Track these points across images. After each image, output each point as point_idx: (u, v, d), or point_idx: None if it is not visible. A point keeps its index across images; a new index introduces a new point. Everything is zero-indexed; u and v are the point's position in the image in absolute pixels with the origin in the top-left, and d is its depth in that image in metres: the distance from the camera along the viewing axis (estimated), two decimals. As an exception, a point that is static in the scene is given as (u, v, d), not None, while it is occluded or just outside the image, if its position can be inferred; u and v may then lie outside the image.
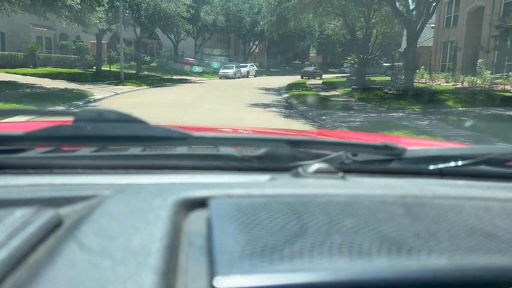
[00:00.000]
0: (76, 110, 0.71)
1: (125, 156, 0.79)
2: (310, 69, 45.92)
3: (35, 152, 0.78)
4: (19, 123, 1.41)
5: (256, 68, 43.96)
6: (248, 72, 41.89)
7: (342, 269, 0.45)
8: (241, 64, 44.90)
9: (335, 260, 0.46)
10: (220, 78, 34.81)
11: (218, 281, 0.42)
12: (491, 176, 0.82)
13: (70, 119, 0.73)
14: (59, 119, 1.12)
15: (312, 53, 65.95)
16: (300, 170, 0.76)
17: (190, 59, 48.47)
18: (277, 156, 0.81)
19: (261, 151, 0.81)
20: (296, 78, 34.55)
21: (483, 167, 0.83)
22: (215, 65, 41.62)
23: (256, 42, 51.98)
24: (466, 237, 0.52)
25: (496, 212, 0.62)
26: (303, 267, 0.44)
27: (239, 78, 36.96)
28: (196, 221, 0.55)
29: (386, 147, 0.81)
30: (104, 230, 0.49)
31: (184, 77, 30.87)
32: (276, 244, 0.47)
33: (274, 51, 58.28)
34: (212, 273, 0.43)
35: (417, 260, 0.47)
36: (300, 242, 0.48)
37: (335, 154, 0.80)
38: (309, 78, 36.10)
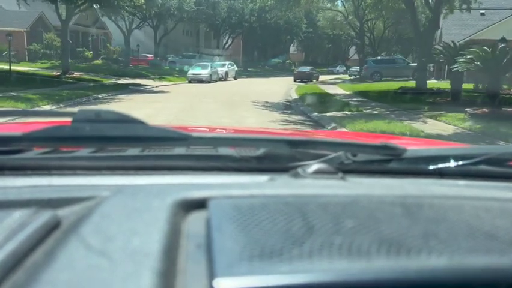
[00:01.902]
0: (74, 111, 0.78)
1: (123, 157, 0.85)
2: (307, 69, 37.02)
3: (33, 153, 0.84)
4: (17, 124, 1.31)
5: (236, 68, 36.14)
6: (227, 73, 33.68)
7: (342, 270, 0.47)
8: (218, 62, 36.20)
9: (335, 260, 0.48)
10: (190, 82, 26.91)
11: (217, 282, 0.44)
12: (491, 176, 0.88)
13: (68, 119, 0.76)
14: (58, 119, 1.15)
15: (297, 49, 53.39)
16: (299, 170, 0.80)
17: (148, 55, 40.14)
18: (277, 157, 0.86)
19: (260, 151, 0.86)
20: (288, 81, 30.09)
21: (483, 167, 0.88)
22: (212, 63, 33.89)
23: (232, 36, 37.65)
24: (466, 237, 0.55)
25: (495, 212, 0.64)
26: (303, 268, 0.46)
27: (215, 81, 29.08)
28: (195, 221, 0.57)
29: (386, 148, 0.86)
30: (103, 231, 0.52)
31: (138, 81, 22.29)
32: (275, 245, 0.50)
33: (251, 47, 45.07)
34: (211, 275, 0.45)
35: (417, 261, 0.49)
36: (300, 242, 0.51)
37: (334, 154, 0.85)
38: (303, 81, 30.99)
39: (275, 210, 0.58)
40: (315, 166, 0.80)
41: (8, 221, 0.54)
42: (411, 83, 18.77)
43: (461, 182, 0.83)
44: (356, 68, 57.29)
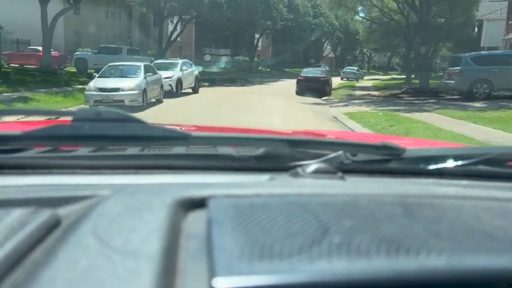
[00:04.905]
0: (74, 110, 0.96)
1: (123, 156, 0.91)
2: (318, 73, 22.35)
3: (33, 152, 0.90)
4: (17, 123, 1.39)
5: (196, 72, 20.76)
6: (179, 81, 17.26)
7: (341, 269, 0.50)
8: (161, 61, 20.46)
9: (334, 260, 0.51)
10: (92, 105, 12.76)
11: (217, 281, 0.46)
12: (491, 176, 0.95)
13: (69, 118, 0.84)
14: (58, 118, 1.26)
15: (270, 42, 35.12)
16: (299, 170, 0.86)
17: (54, 51, 23.85)
18: (276, 156, 0.91)
19: (260, 151, 0.92)
20: (286, 95, 19.02)
21: (482, 167, 0.94)
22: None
23: (183, 20, 16.02)
24: (465, 237, 0.60)
25: (495, 212, 0.69)
26: (302, 267, 0.50)
27: (157, 102, 14.24)
28: (195, 221, 0.63)
29: (386, 147, 0.91)
30: (103, 231, 0.57)
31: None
32: (275, 244, 0.54)
33: (209, 38, 24.83)
34: (211, 274, 0.48)
35: (416, 260, 0.53)
36: (299, 242, 0.55)
37: (334, 154, 0.90)
38: (306, 93, 19.06)
39: (275, 210, 0.63)
40: (314, 166, 0.86)
41: (8, 219, 0.58)
42: None
43: (461, 182, 0.91)
44: (352, 69, 42.73)
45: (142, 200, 0.64)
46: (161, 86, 14.98)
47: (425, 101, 16.70)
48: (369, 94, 22.03)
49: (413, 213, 0.63)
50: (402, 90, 21.58)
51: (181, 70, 17.86)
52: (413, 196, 0.72)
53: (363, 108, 15.29)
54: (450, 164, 0.93)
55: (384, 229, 0.57)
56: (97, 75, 13.23)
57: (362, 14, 34.13)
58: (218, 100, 16.07)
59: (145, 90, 12.84)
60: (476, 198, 0.74)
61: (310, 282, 0.46)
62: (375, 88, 27.18)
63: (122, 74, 13.39)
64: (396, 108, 15.03)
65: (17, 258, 0.49)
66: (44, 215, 0.59)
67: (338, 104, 17.49)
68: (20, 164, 0.83)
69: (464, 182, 0.89)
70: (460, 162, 0.92)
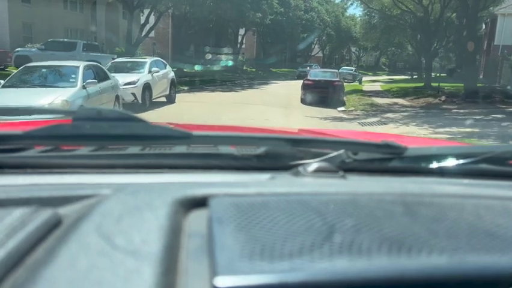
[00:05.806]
0: (75, 109, 0.91)
1: (124, 155, 0.94)
2: (329, 76, 17.19)
3: (34, 151, 0.93)
4: (18, 122, 1.42)
5: (172, 74, 15.84)
6: (148, 87, 11.92)
7: (342, 268, 0.52)
8: (123, 60, 15.60)
9: (335, 259, 0.54)
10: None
11: (218, 280, 0.48)
12: (492, 174, 0.97)
13: (69, 118, 0.88)
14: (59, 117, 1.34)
15: (256, 41, 29.58)
16: (300, 169, 0.89)
17: None
18: (277, 155, 0.93)
19: (261, 150, 0.94)
20: (285, 100, 16.38)
21: (484, 166, 0.97)
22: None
23: (156, 11, 8.85)
24: (467, 236, 0.62)
25: (496, 210, 0.72)
26: (303, 266, 0.52)
27: None
28: (196, 220, 0.66)
29: (387, 146, 0.93)
30: (104, 230, 0.59)
31: None
32: (276, 243, 0.56)
33: (187, 34, 18.20)
34: (212, 273, 0.50)
35: (418, 259, 0.55)
36: (300, 240, 0.57)
37: (335, 153, 0.93)
38: (310, 103, 15.98)
39: (276, 209, 0.65)
40: (316, 165, 0.87)
41: (9, 219, 0.60)
42: None
43: (462, 181, 0.93)
44: (349, 70, 38.69)
45: (143, 199, 0.64)
46: (118, 98, 10.20)
47: (491, 116, 12.85)
48: (396, 103, 17.62)
49: (414, 212, 0.64)
50: (442, 99, 17.14)
51: (149, 72, 13.19)
52: (414, 195, 0.73)
53: (416, 130, 10.68)
54: (451, 162, 0.93)
55: (385, 228, 0.58)
56: (1, 84, 8.20)
57: (360, 9, 30.34)
58: (204, 117, 11.32)
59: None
60: (477, 197, 0.75)
61: (311, 281, 0.47)
62: (392, 94, 22.58)
63: (46, 81, 8.52)
64: (467, 130, 10.35)
65: (18, 257, 0.50)
66: (45, 215, 0.60)
67: (368, 121, 12.69)
68: (21, 163, 0.83)
69: (466, 181, 0.90)
70: (461, 161, 0.92)
